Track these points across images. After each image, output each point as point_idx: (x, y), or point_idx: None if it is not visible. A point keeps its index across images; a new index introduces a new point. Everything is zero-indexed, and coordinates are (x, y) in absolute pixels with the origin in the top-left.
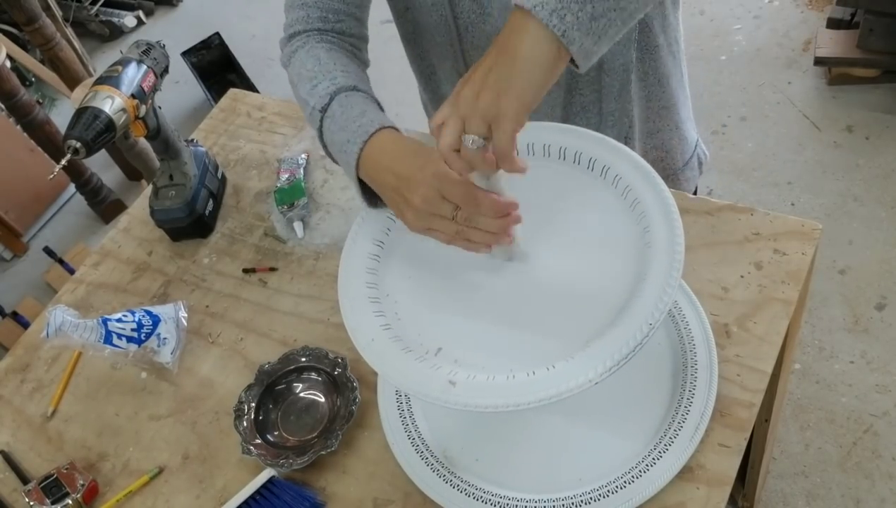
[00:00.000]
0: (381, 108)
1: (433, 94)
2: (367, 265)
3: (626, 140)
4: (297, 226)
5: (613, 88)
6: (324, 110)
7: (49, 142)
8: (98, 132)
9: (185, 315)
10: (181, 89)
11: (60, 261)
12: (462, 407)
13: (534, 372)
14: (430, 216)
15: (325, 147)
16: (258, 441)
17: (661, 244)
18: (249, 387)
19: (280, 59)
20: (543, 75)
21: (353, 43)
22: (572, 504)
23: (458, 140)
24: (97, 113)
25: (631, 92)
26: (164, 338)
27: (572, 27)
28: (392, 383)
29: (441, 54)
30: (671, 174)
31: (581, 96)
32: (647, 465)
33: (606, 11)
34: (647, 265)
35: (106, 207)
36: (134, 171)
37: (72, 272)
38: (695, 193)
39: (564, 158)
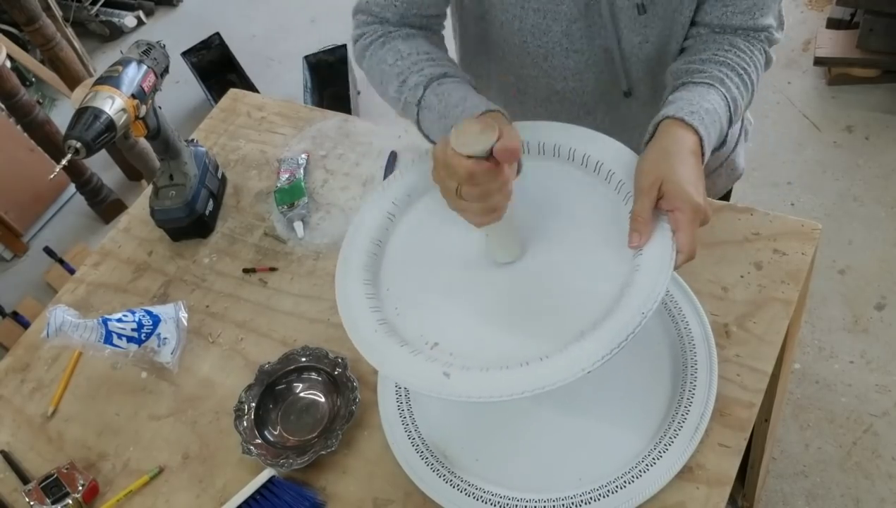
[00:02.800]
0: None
1: None
2: (364, 261)
3: None
4: (298, 225)
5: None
6: (419, 103)
7: (49, 142)
8: (98, 132)
9: (186, 315)
10: (181, 89)
11: (60, 261)
12: (457, 397)
13: (527, 363)
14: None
15: (426, 137)
16: (258, 440)
17: (654, 237)
18: (249, 387)
19: (353, 52)
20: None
21: (434, 19)
22: (572, 504)
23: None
24: (97, 113)
25: None
26: (165, 338)
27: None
28: (388, 375)
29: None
30: (726, 158)
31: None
32: (647, 465)
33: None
34: (641, 258)
35: (106, 207)
36: (134, 171)
37: (72, 272)
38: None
39: (559, 155)
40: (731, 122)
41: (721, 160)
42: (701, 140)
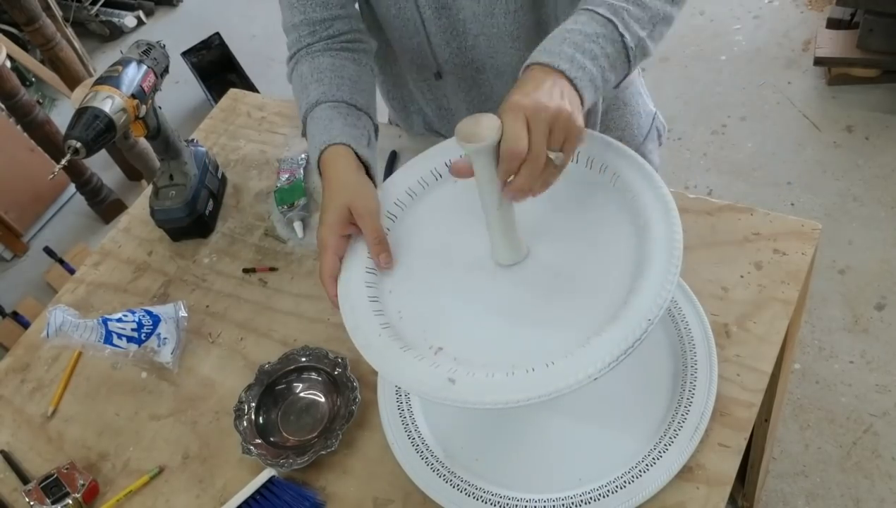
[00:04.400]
0: (365, 112)
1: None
2: (366, 264)
3: None
4: (297, 226)
5: None
6: (304, 121)
7: (49, 142)
8: (98, 132)
9: (186, 315)
10: (181, 89)
11: (60, 261)
12: (462, 404)
13: (533, 369)
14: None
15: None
16: (258, 440)
17: (660, 240)
18: (249, 387)
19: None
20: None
21: (349, 41)
22: (572, 504)
23: (543, 147)
24: (97, 113)
25: None
26: (165, 338)
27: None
28: (392, 381)
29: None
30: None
31: None
32: (646, 465)
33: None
34: (646, 262)
35: (106, 207)
36: (134, 171)
37: (72, 272)
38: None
39: None
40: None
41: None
42: (560, 70)
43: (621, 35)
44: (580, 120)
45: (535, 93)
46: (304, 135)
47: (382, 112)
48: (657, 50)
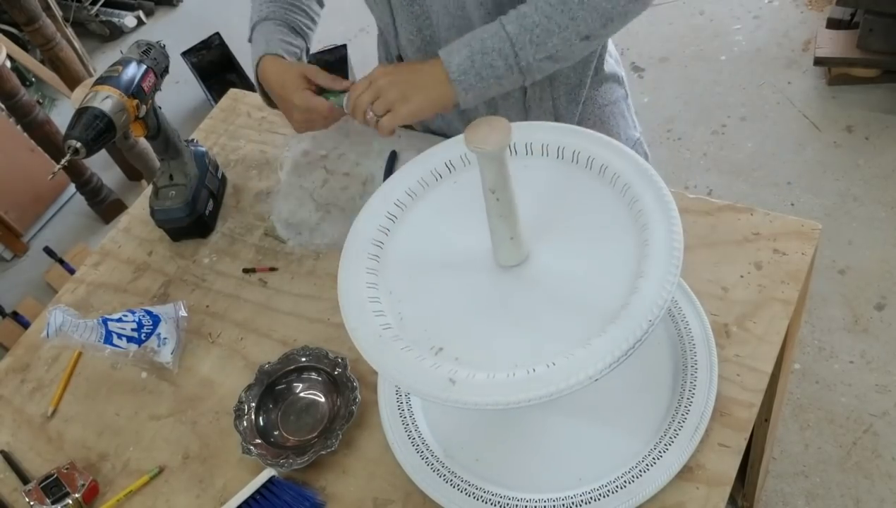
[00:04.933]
0: (294, 30)
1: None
2: (366, 265)
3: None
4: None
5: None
6: (252, 29)
7: (49, 142)
8: (98, 132)
9: (186, 315)
10: (181, 89)
11: (61, 261)
12: (463, 404)
13: (534, 370)
14: (306, 127)
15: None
16: (258, 441)
17: (660, 241)
18: (249, 387)
19: None
20: (433, 108)
21: None
22: (572, 504)
23: (365, 107)
24: (97, 113)
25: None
26: (165, 338)
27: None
28: (393, 382)
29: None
30: None
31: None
32: (647, 465)
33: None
34: (646, 262)
35: (106, 207)
36: (134, 171)
37: (72, 272)
38: None
39: (562, 157)
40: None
41: None
42: (445, 70)
43: (516, 54)
44: (411, 104)
45: (404, 68)
46: (249, 40)
47: None
48: (564, 66)
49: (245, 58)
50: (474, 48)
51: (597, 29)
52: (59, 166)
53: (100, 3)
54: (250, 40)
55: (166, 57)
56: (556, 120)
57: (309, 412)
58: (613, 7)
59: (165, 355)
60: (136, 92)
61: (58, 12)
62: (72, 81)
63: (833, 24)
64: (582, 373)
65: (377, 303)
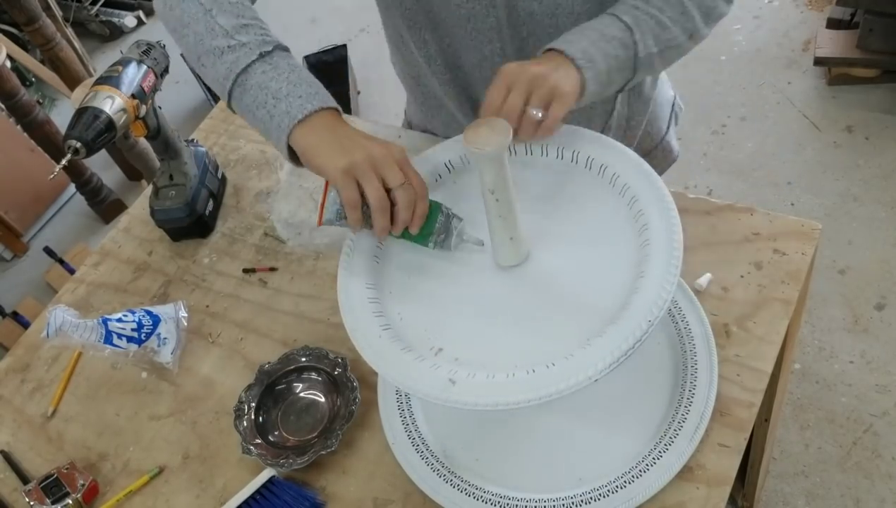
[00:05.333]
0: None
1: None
2: (367, 265)
3: (608, 128)
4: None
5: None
6: (264, 56)
7: (49, 142)
8: (98, 132)
9: (186, 315)
10: (181, 89)
11: (61, 261)
12: (462, 405)
13: (534, 370)
14: (368, 169)
15: (234, 80)
16: (258, 441)
17: (660, 241)
18: (249, 387)
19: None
20: (578, 94)
21: None
22: (572, 504)
23: (519, 108)
24: (97, 113)
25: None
26: (165, 338)
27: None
28: (392, 382)
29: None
30: (660, 140)
31: None
32: (647, 465)
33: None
34: (646, 263)
35: (106, 207)
36: (134, 171)
37: (72, 272)
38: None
39: (562, 157)
40: (634, 44)
41: (655, 143)
42: (571, 57)
43: (635, 43)
44: (567, 86)
45: (530, 64)
46: (260, 55)
47: (390, 110)
48: (661, 72)
49: None
50: (593, 37)
51: (700, 27)
52: (59, 166)
53: (100, 3)
54: (254, 61)
55: (166, 57)
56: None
57: (309, 412)
58: (714, 4)
59: (165, 355)
60: (136, 92)
61: (58, 12)
62: (72, 81)
63: (833, 24)
64: (581, 374)
65: (377, 304)
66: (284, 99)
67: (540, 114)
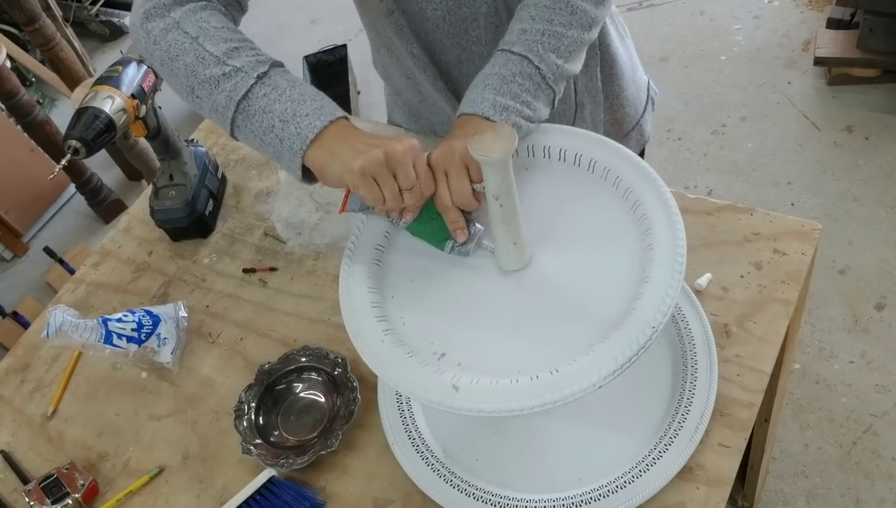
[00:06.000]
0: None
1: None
2: (368, 270)
3: (580, 120)
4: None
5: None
6: (261, 77)
7: (49, 142)
8: (98, 132)
9: (186, 315)
10: None
11: (61, 261)
12: (466, 411)
13: (537, 376)
14: (384, 170)
15: (235, 108)
16: (258, 441)
17: (663, 246)
18: (249, 387)
19: (136, 35)
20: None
21: (231, 12)
22: (572, 504)
23: (469, 187)
24: (97, 113)
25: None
26: (165, 338)
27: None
28: (396, 388)
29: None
30: (634, 126)
31: None
32: (647, 465)
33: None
34: (650, 268)
35: (106, 207)
36: (134, 171)
37: (72, 272)
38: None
39: (565, 160)
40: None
41: (630, 126)
42: (485, 116)
43: (537, 68)
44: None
45: (452, 141)
46: (257, 76)
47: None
48: (579, 67)
49: None
50: (495, 84)
51: (595, 14)
52: (59, 166)
53: (100, 3)
54: (252, 85)
55: None
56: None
57: (309, 412)
58: None
59: (165, 355)
60: (136, 92)
61: (58, 12)
62: (72, 81)
63: (833, 24)
64: (585, 381)
65: (379, 308)
66: (292, 120)
67: (481, 188)
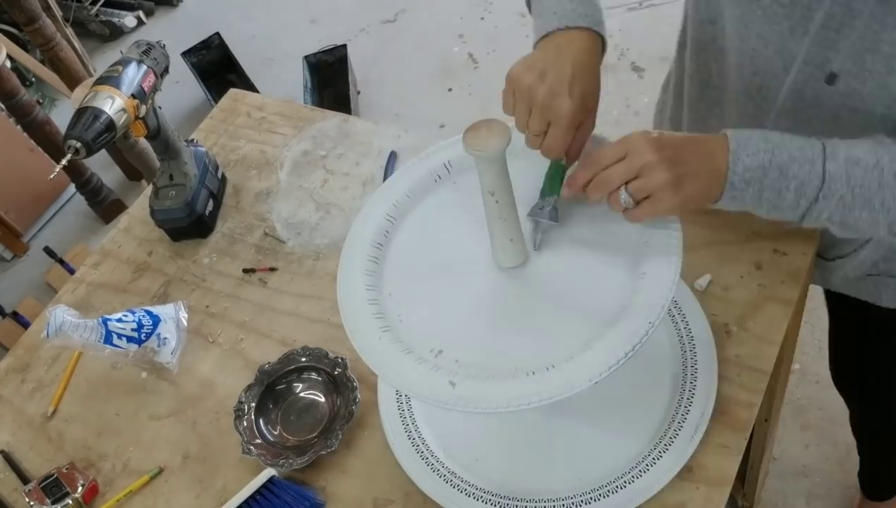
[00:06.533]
0: None
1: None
2: (366, 267)
3: None
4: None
5: None
6: None
7: (49, 142)
8: (98, 132)
9: (185, 315)
10: (181, 89)
11: (61, 261)
12: (462, 408)
13: (533, 373)
14: (524, 99)
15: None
16: (258, 441)
17: (660, 242)
18: (249, 387)
19: None
20: (698, 204)
21: None
22: (572, 504)
23: (616, 184)
24: (97, 113)
25: None
26: (165, 338)
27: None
28: (392, 385)
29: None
30: None
31: None
32: (647, 465)
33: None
34: (646, 263)
35: (106, 207)
36: (134, 171)
37: (72, 272)
38: None
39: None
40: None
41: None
42: (728, 175)
43: (816, 200)
44: (686, 191)
45: (674, 143)
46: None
47: (389, 110)
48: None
49: (245, 57)
50: (776, 159)
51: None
52: (59, 166)
53: (100, 3)
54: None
55: (166, 57)
56: None
57: (309, 412)
58: None
59: (165, 355)
60: (137, 92)
61: (58, 12)
62: (72, 81)
63: None
64: (583, 376)
65: (376, 305)
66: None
67: (628, 204)
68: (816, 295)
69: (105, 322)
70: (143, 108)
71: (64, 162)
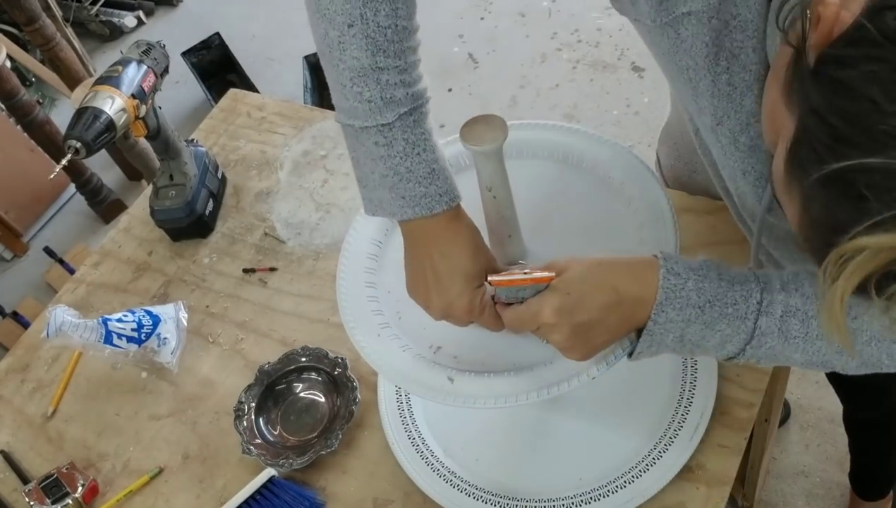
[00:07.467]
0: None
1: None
2: (365, 264)
3: None
4: None
5: None
6: (383, 127)
7: (49, 142)
8: (98, 132)
9: (185, 315)
10: (181, 89)
11: (61, 261)
12: (461, 403)
13: (532, 368)
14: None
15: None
16: (258, 440)
17: (656, 240)
18: (249, 387)
19: None
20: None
21: None
22: (572, 504)
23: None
24: (97, 113)
25: None
26: (165, 338)
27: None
28: (391, 381)
29: None
30: None
31: None
32: (646, 465)
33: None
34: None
35: (106, 207)
36: (134, 171)
37: (72, 272)
38: None
39: (559, 156)
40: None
41: None
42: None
43: (742, 351)
44: (571, 355)
45: (587, 298)
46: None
47: None
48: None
49: (245, 57)
50: (703, 300)
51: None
52: (59, 166)
53: (100, 3)
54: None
55: (166, 57)
56: None
57: (309, 412)
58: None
59: (165, 355)
60: (137, 92)
61: (58, 12)
62: (72, 81)
63: None
64: (581, 371)
65: (375, 302)
66: (391, 188)
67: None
68: None
69: (105, 322)
70: (143, 108)
71: (64, 162)
